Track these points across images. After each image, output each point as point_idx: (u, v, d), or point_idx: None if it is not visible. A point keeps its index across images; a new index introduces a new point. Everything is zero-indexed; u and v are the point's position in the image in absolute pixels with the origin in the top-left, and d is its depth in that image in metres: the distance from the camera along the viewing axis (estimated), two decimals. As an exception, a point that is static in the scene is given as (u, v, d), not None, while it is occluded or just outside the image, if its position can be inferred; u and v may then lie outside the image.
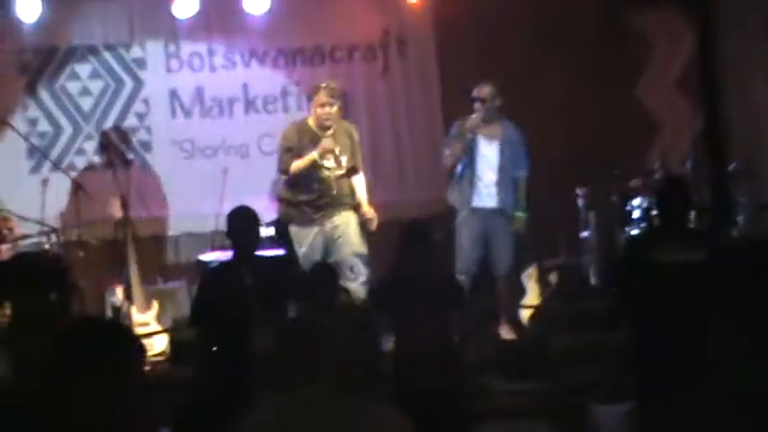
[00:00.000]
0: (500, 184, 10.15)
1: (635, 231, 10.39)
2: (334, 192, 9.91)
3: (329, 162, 9.87)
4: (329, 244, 9.91)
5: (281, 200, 10.29)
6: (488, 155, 10.19)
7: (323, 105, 9.88)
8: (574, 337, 9.79)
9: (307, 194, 9.95)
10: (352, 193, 10.12)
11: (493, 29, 12.19)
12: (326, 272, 7.97)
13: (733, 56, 12.24)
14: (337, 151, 9.86)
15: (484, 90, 10.16)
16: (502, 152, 10.17)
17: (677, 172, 11.25)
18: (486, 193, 10.15)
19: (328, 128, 9.93)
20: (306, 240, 9.92)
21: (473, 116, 10.11)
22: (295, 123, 10.29)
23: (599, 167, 11.71)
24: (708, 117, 12.24)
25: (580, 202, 11.11)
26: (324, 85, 10.00)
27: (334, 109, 9.93)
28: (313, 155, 9.80)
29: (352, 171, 10.09)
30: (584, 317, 10.04)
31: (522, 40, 12.25)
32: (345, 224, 9.95)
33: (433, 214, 10.70)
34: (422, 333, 7.46)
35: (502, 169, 10.16)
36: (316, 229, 9.91)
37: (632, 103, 12.59)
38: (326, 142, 9.80)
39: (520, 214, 10.23)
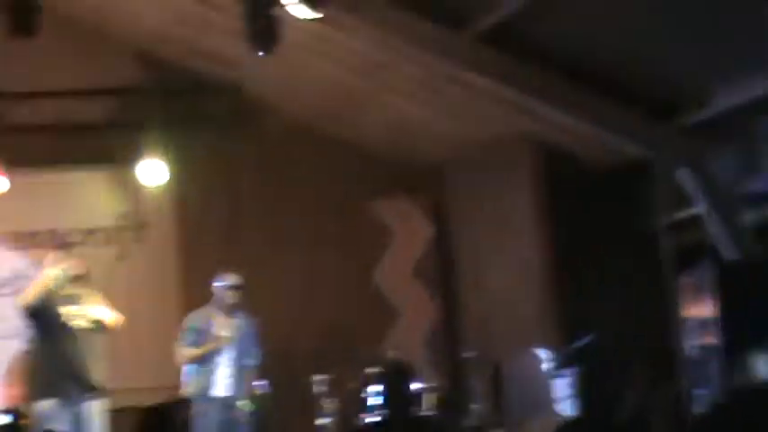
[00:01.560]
0: (234, 373, 10.04)
1: (369, 419, 10.43)
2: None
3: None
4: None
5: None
6: (224, 344, 10.08)
7: None
8: None
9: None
10: None
11: (235, 218, 12.34)
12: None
13: (467, 247, 12.64)
14: None
15: (232, 279, 10.10)
16: (237, 342, 10.08)
17: (412, 359, 11.40)
18: (222, 382, 10.01)
19: None
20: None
21: (212, 306, 10.02)
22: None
23: (339, 355, 11.79)
24: (443, 305, 12.58)
25: (319, 389, 11.08)
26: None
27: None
28: None
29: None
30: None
31: (264, 229, 12.44)
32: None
33: (171, 401, 10.50)
34: None
35: (236, 359, 10.07)
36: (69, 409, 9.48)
37: (371, 290, 12.79)
38: None
39: (244, 403, 10.05)
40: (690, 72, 9.91)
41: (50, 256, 9.42)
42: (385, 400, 10.35)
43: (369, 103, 11.99)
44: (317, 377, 11.05)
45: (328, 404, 10.96)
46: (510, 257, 11.87)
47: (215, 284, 10.02)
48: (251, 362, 10.14)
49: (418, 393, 7.74)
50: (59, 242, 11.81)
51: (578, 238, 11.23)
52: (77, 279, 9.27)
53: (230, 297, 9.98)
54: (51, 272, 9.13)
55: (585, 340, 10.13)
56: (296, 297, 12.41)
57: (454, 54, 10.21)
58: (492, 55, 10.15)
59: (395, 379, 7.67)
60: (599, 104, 10.24)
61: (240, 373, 10.04)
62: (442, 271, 12.83)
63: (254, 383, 10.06)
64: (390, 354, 11.31)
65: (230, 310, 10.02)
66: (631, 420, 9.00)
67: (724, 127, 10.17)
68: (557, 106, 10.41)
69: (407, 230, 12.95)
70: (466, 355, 11.62)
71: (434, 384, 10.99)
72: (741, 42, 9.20)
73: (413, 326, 12.65)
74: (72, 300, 9.16)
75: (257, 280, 11.36)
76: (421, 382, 10.79)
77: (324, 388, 11.00)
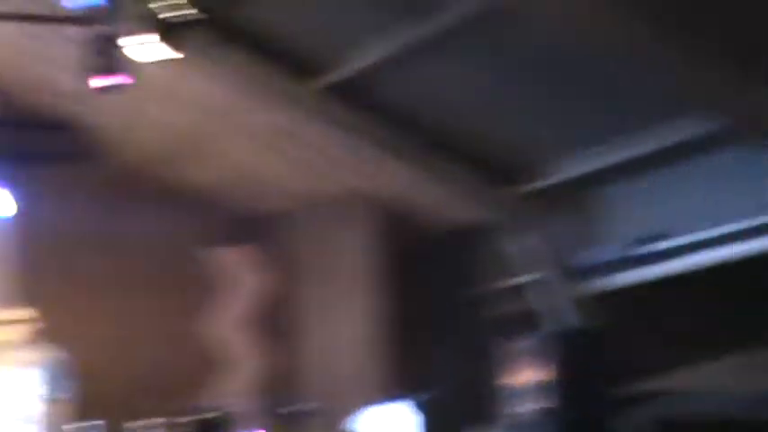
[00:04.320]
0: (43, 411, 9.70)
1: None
2: None
3: None
4: None
5: None
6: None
7: None
8: None
9: None
10: None
11: (71, 254, 12.11)
12: None
13: (304, 299, 12.57)
14: None
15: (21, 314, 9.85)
16: (42, 378, 9.76)
17: (241, 409, 11.23)
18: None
19: None
20: None
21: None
22: None
23: (159, 401, 11.56)
24: (277, 356, 12.46)
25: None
26: None
27: None
28: None
29: None
30: None
31: (96, 268, 12.22)
32: None
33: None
34: None
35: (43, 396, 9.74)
36: None
37: (198, 338, 12.63)
38: None
39: None
40: (534, 140, 10.02)
41: None
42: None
43: (212, 148, 11.87)
44: (130, 425, 10.83)
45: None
46: (346, 312, 11.88)
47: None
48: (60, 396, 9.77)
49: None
50: None
51: (413, 298, 11.27)
52: None
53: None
54: None
55: (421, 399, 10.12)
56: (116, 341, 12.17)
57: (300, 105, 10.16)
58: (338, 109, 10.12)
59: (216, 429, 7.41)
60: (442, 165, 10.27)
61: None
62: (277, 322, 12.73)
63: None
64: (212, 404, 11.12)
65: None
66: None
67: (564, 196, 10.29)
68: (400, 164, 10.42)
69: (244, 279, 12.83)
70: (298, 406, 11.53)
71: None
72: (583, 115, 9.34)
73: (243, 376, 12.51)
74: None
75: (77, 319, 11.20)
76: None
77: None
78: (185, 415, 10.92)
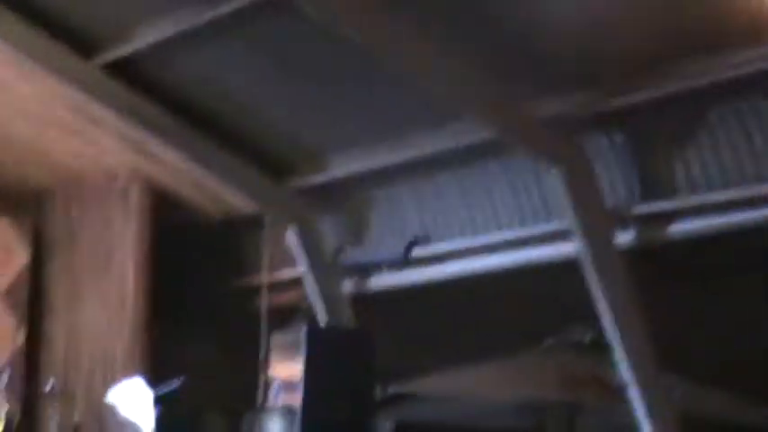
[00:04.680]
0: None
1: None
2: None
3: None
4: None
5: None
6: None
7: None
8: None
9: None
10: None
11: None
12: None
13: (62, 277, 12.32)
14: None
15: None
16: None
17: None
18: None
19: None
20: None
21: None
22: None
23: None
24: (29, 334, 12.16)
25: None
26: None
27: None
28: None
29: None
30: None
31: None
32: None
33: None
34: None
35: None
36: None
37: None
38: None
39: None
40: (310, 134, 10.07)
41: None
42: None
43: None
44: None
45: None
46: (105, 294, 11.69)
47: None
48: None
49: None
50: None
51: (178, 285, 11.19)
52: None
53: None
54: None
55: (171, 386, 10.02)
56: None
57: (77, 80, 9.93)
58: (114, 87, 9.93)
59: None
60: (215, 153, 10.21)
61: None
62: (31, 299, 12.43)
63: None
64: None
65: None
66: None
67: (336, 194, 10.38)
68: (173, 148, 10.30)
69: (2, 253, 12.47)
70: (45, 387, 11.29)
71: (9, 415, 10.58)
72: (361, 113, 9.43)
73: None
74: None
75: None
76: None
77: None
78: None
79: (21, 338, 12.15)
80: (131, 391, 6.11)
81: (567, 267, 8.64)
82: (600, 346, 8.27)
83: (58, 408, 10.86)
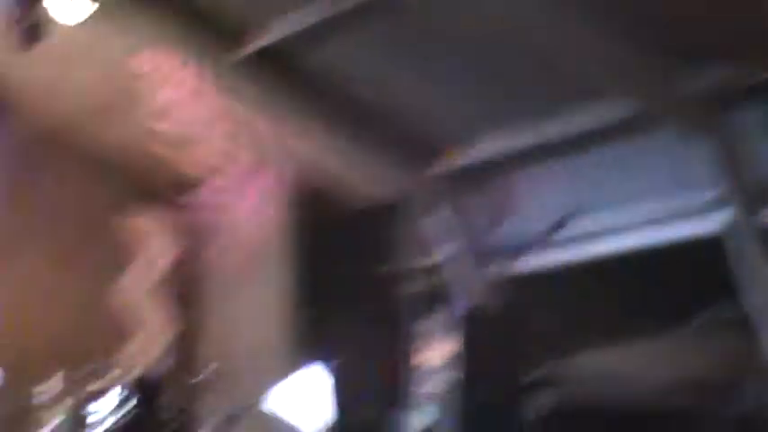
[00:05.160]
0: None
1: (97, 432, 10.19)
2: None
3: None
4: None
5: None
6: None
7: None
8: None
9: None
10: None
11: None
12: None
13: (212, 271, 12.53)
14: None
15: None
16: None
17: (148, 376, 11.16)
18: None
19: None
20: None
21: None
22: None
23: (69, 366, 11.47)
24: (184, 323, 12.40)
25: (42, 401, 10.72)
26: None
27: None
28: None
29: None
30: None
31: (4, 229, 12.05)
32: None
33: None
34: None
35: None
36: None
37: (109, 304, 12.52)
38: None
39: None
40: (451, 117, 10.04)
41: None
42: (109, 418, 10.14)
43: (123, 113, 11.72)
44: (40, 389, 10.71)
45: (45, 419, 10.63)
46: (254, 284, 11.83)
47: None
48: None
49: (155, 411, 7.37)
50: None
51: (323, 275, 11.28)
52: None
53: None
54: None
55: (321, 374, 10.12)
56: (29, 307, 12.05)
57: (218, 73, 10.07)
58: (258, 77, 10.04)
59: (140, 394, 7.23)
60: (356, 141, 10.26)
61: None
62: (186, 290, 12.66)
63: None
64: (122, 369, 11.03)
65: None
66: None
67: (480, 176, 10.35)
68: (312, 139, 10.38)
69: (155, 245, 12.71)
70: (202, 375, 11.50)
71: (169, 402, 10.81)
72: (504, 92, 9.38)
73: (151, 342, 12.41)
74: None
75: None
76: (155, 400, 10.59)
77: (48, 400, 10.67)
78: (95, 380, 10.88)
79: (178, 328, 12.37)
80: (290, 384, 6.18)
81: (717, 242, 8.51)
82: (751, 323, 8.13)
83: (217, 397, 11.08)
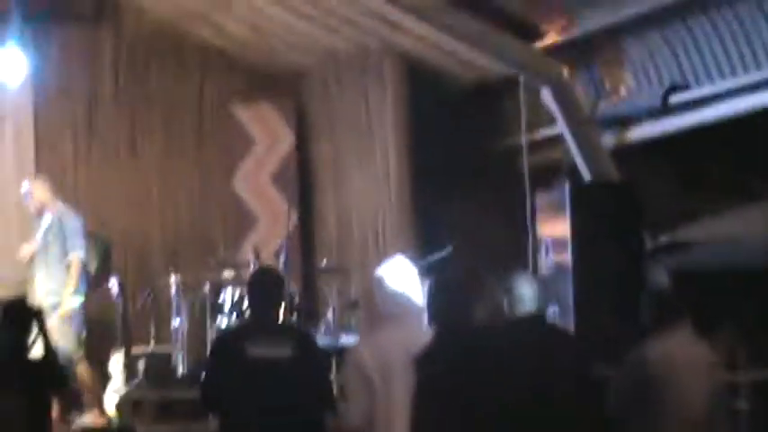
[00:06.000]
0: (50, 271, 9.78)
1: (225, 322, 10.46)
2: None
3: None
4: None
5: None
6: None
7: None
8: (160, 426, 9.72)
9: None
10: None
11: (93, 116, 12.22)
12: None
13: (327, 155, 12.66)
14: None
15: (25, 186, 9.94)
16: (46, 240, 9.81)
17: (269, 265, 11.37)
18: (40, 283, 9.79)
19: None
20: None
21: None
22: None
23: (193, 256, 11.78)
24: (301, 214, 12.59)
25: (174, 290, 11.02)
26: None
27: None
28: None
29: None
30: (171, 405, 9.98)
31: (121, 129, 12.36)
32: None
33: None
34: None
35: (50, 256, 9.81)
36: None
37: (229, 194, 12.75)
38: None
39: (74, 297, 9.73)
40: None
41: None
42: (242, 305, 10.39)
43: (233, 4, 11.82)
44: (172, 278, 11.00)
45: (182, 305, 10.92)
46: (369, 169, 11.95)
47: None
48: (74, 255, 9.77)
49: (278, 299, 7.42)
50: None
51: (438, 153, 11.33)
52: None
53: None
54: None
55: (442, 253, 10.23)
56: (152, 199, 12.37)
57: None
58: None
59: (257, 284, 7.27)
60: (466, 20, 10.22)
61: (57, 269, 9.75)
62: (300, 179, 12.83)
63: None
64: (248, 258, 11.25)
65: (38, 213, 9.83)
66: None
67: (589, 48, 10.29)
68: (423, 19, 10.35)
69: (268, 136, 12.88)
70: (321, 263, 11.70)
71: (290, 291, 11.01)
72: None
73: (269, 233, 12.64)
74: None
75: (113, 179, 11.35)
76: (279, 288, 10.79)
77: (178, 288, 10.97)
78: (223, 268, 11.14)
79: (294, 219, 12.56)
80: (402, 264, 6.28)
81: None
82: None
83: (335, 284, 11.28)
